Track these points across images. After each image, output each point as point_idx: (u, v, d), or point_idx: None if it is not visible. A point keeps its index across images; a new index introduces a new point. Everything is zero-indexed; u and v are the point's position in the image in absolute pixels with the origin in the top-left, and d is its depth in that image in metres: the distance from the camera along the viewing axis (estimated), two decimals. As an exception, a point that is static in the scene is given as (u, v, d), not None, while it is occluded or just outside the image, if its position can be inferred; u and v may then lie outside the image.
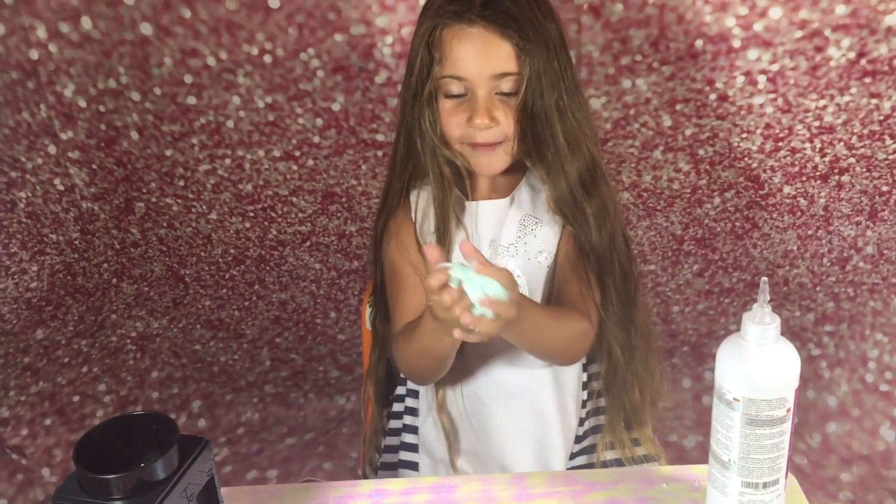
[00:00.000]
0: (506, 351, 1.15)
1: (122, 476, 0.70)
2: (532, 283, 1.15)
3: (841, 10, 1.48)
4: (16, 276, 1.89)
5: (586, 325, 1.10)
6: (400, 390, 1.26)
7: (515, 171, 1.15)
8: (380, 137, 1.66)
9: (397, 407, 1.27)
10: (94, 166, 1.73)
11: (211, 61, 1.58)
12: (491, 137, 1.07)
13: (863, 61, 1.53)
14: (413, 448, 1.22)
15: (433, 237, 1.13)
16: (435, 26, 1.05)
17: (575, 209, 1.10)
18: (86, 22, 1.55)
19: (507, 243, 1.15)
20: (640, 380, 1.18)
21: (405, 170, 1.15)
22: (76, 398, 1.96)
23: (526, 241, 1.15)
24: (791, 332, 1.95)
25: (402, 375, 1.23)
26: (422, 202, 1.17)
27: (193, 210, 1.78)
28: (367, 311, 1.37)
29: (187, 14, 1.52)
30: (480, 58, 1.04)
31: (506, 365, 1.16)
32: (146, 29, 1.55)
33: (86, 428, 1.93)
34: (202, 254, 1.86)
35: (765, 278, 0.82)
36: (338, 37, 1.54)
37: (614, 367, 1.17)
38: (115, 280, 1.92)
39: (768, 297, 0.80)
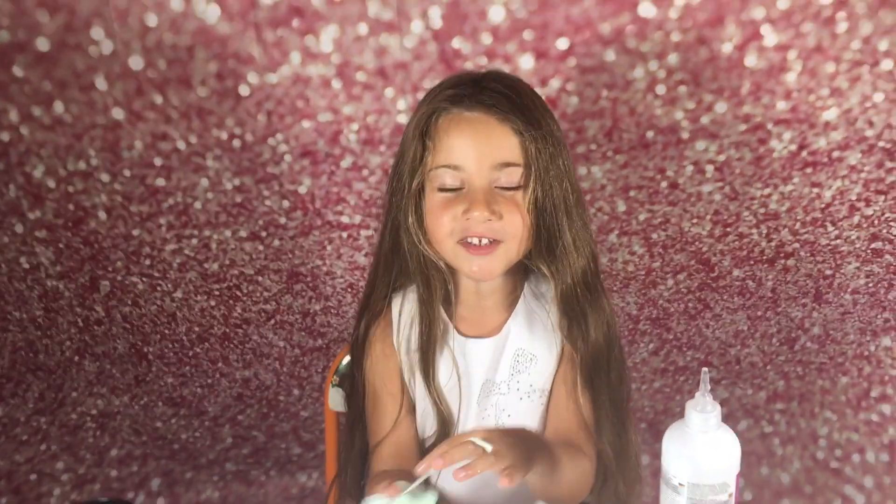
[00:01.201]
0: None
1: (86, 564, 0.72)
2: (523, 422, 1.10)
3: (782, 105, 1.56)
4: (-24, 354, 1.89)
5: (587, 463, 1.05)
6: None
7: (507, 289, 1.08)
8: (345, 219, 1.70)
9: None
10: (61, 245, 1.75)
11: (181, 145, 1.62)
12: (489, 233, 0.98)
13: (804, 153, 1.62)
14: None
15: (417, 355, 1.06)
16: (431, 113, 0.99)
17: (577, 308, 1.05)
18: (58, 106, 1.59)
19: (498, 381, 1.10)
20: (626, 476, 1.13)
21: (390, 269, 1.09)
22: (33, 476, 1.94)
23: (518, 380, 1.09)
24: (744, 409, 2.00)
25: None
26: (406, 310, 1.09)
27: (159, 288, 1.80)
28: (331, 391, 1.40)
29: (159, 100, 1.57)
30: (479, 145, 0.96)
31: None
32: (118, 113, 1.58)
33: (42, 508, 1.91)
34: (166, 331, 1.87)
35: (705, 369, 0.87)
36: (305, 123, 1.59)
37: (604, 472, 1.12)
38: (77, 357, 1.92)
39: (709, 386, 0.85)
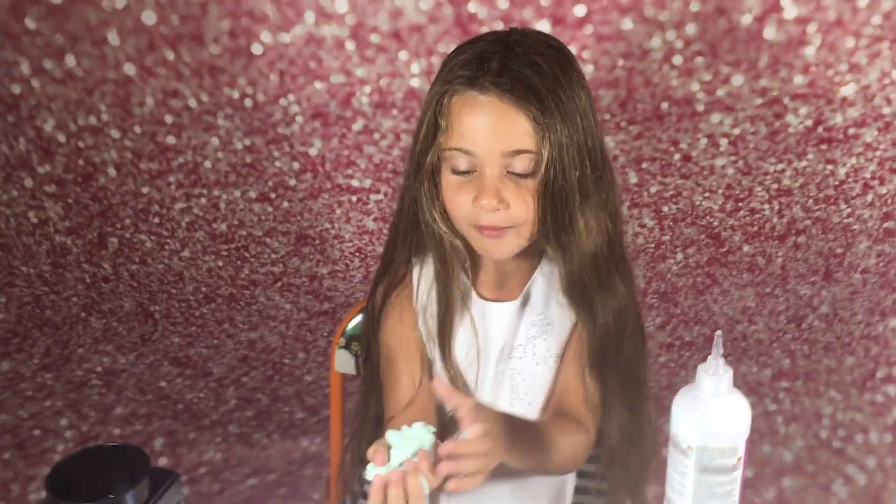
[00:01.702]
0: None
1: (93, 505, 0.72)
2: (536, 387, 1.09)
3: (799, 80, 1.55)
4: (-17, 308, 1.90)
5: (583, 438, 1.04)
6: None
7: (526, 257, 1.06)
8: (354, 183, 1.70)
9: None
10: (70, 200, 1.76)
11: (192, 103, 1.61)
12: (499, 221, 0.96)
13: (819, 129, 1.61)
14: None
15: (435, 322, 1.05)
16: (444, 92, 0.96)
17: (583, 294, 1.02)
18: (70, 59, 1.58)
19: (516, 345, 1.08)
20: (641, 452, 1.09)
21: (408, 239, 1.06)
22: (37, 432, 1.95)
23: (535, 344, 1.08)
24: (748, 386, 2.00)
25: None
26: (425, 276, 1.08)
27: (167, 247, 1.81)
28: (338, 353, 1.39)
29: (171, 56, 1.56)
30: (492, 132, 0.93)
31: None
32: (129, 69, 1.58)
33: (45, 463, 1.92)
34: (173, 291, 1.88)
35: (719, 332, 0.85)
36: (318, 84, 1.58)
37: (611, 451, 1.09)
38: (83, 314, 1.93)
39: (722, 350, 0.84)
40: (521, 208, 0.95)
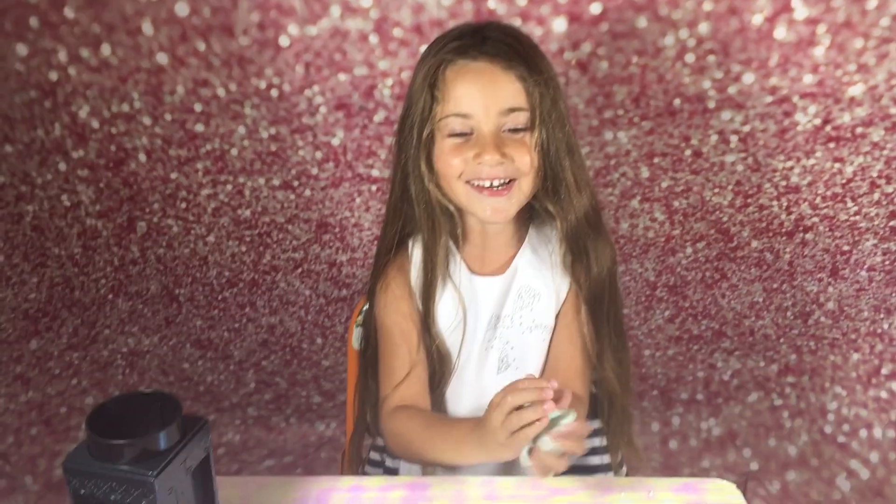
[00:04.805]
0: None
1: (128, 443, 0.77)
2: (526, 356, 1.14)
3: (808, 79, 1.59)
4: (16, 287, 1.96)
5: (584, 407, 1.10)
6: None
7: (514, 231, 1.12)
8: (374, 172, 1.75)
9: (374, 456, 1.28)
10: (101, 185, 1.82)
11: (221, 92, 1.67)
12: (501, 173, 1.02)
13: (827, 128, 1.65)
14: (393, 471, 1.25)
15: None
16: (438, 65, 1.02)
17: (581, 245, 1.09)
18: (105, 49, 1.64)
19: (504, 315, 1.14)
20: (628, 394, 1.16)
21: (398, 216, 1.12)
22: (63, 409, 2.01)
23: (522, 314, 1.13)
24: (755, 381, 2.03)
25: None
26: (417, 254, 1.13)
27: (192, 232, 1.86)
28: (355, 331, 1.44)
29: (202, 47, 1.62)
30: (486, 93, 1.00)
31: None
32: (162, 58, 1.64)
33: (71, 440, 1.99)
34: (197, 275, 1.93)
35: None
36: (342, 76, 1.64)
37: (609, 396, 1.16)
38: (111, 296, 1.99)
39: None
40: (523, 160, 1.01)
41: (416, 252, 1.14)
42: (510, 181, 1.04)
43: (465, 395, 1.16)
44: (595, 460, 1.23)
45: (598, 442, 1.23)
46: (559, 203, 1.06)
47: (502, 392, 0.88)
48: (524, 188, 1.05)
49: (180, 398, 2.09)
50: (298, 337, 2.03)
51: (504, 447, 0.88)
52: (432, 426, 1.06)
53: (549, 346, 1.15)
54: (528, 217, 1.17)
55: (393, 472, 1.25)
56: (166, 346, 2.05)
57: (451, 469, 1.18)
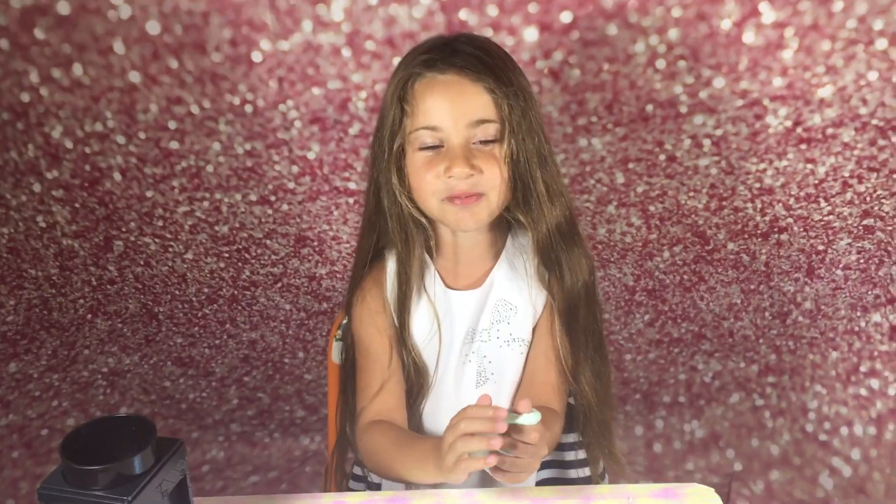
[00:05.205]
0: None
1: (103, 468, 0.77)
2: (504, 369, 1.14)
3: (778, 81, 1.60)
4: (-8, 310, 1.95)
5: (559, 425, 1.10)
6: None
7: (490, 244, 1.12)
8: (352, 185, 1.75)
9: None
10: (77, 205, 1.81)
11: (194, 109, 1.67)
12: (472, 188, 1.02)
13: (798, 129, 1.66)
14: (377, 486, 1.25)
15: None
16: (407, 78, 1.04)
17: (553, 256, 1.09)
18: (77, 68, 1.64)
19: (480, 329, 1.14)
20: (607, 407, 1.16)
21: (373, 229, 1.13)
22: (44, 432, 2.00)
23: (499, 328, 1.13)
24: (736, 382, 2.04)
25: None
26: (392, 266, 1.13)
27: (170, 249, 1.86)
28: (335, 345, 1.44)
29: (174, 64, 1.62)
30: (455, 105, 1.00)
31: None
32: (134, 77, 1.64)
33: (52, 462, 1.97)
34: (176, 292, 1.93)
35: None
36: (315, 90, 1.64)
37: (585, 410, 1.15)
38: (89, 316, 1.98)
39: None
40: (493, 172, 1.02)
41: (391, 265, 1.14)
42: (478, 194, 1.04)
43: (443, 410, 1.17)
44: (573, 474, 1.23)
45: (574, 456, 1.24)
46: (530, 214, 1.07)
47: (459, 415, 0.88)
48: (493, 200, 1.05)
49: (162, 416, 2.08)
50: (280, 352, 2.02)
51: (450, 471, 0.88)
52: (400, 442, 1.06)
53: (526, 360, 1.16)
54: (507, 230, 1.18)
55: (376, 487, 1.25)
56: (147, 365, 2.04)
57: (435, 484, 1.19)
